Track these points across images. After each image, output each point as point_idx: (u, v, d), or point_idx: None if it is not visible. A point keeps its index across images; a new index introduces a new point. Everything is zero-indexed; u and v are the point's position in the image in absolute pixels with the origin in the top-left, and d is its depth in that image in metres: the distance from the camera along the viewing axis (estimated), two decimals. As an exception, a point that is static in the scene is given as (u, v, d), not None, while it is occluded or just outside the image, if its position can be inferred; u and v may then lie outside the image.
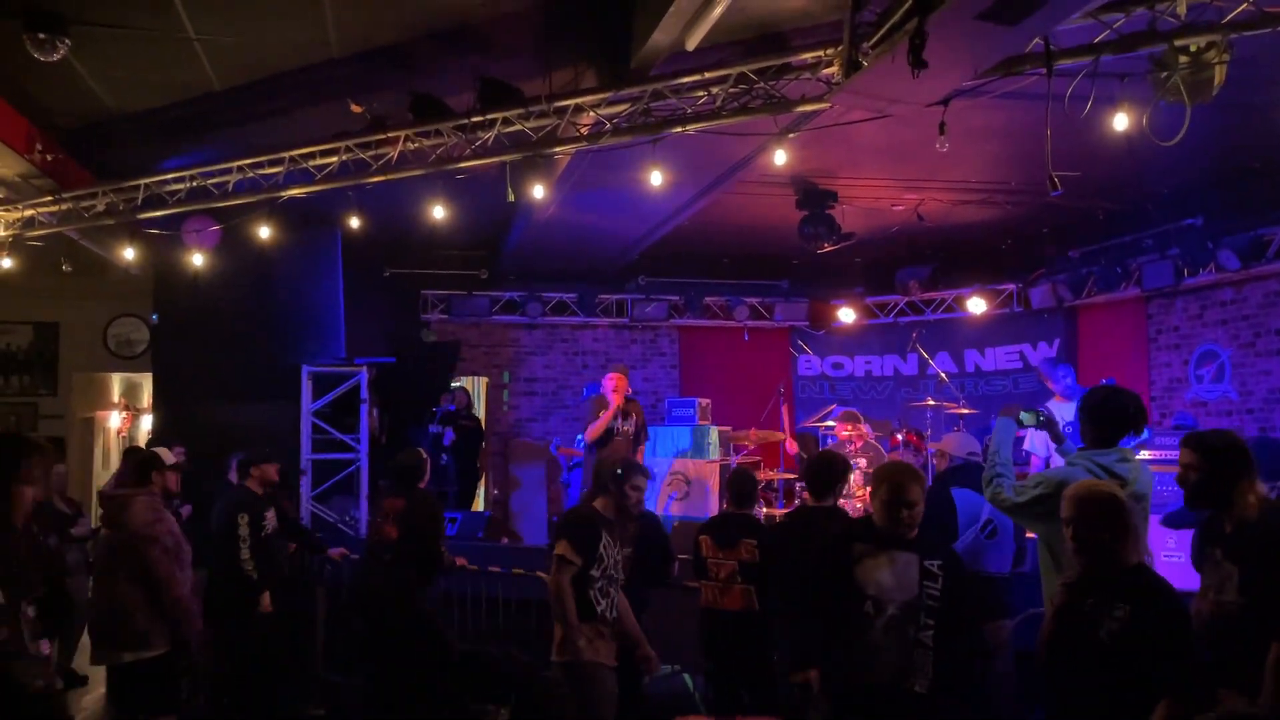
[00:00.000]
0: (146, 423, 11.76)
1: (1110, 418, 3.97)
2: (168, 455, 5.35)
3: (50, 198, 7.88)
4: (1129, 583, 3.08)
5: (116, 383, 12.80)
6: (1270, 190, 7.86)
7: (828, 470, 5.12)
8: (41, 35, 5.79)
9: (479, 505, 11.46)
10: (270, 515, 6.42)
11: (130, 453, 8.86)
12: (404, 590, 5.77)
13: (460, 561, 6.28)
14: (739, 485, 5.53)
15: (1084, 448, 4.03)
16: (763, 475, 9.28)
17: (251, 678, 6.45)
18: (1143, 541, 3.37)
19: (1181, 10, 4.86)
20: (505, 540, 10.31)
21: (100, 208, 7.82)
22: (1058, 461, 5.06)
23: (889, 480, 3.76)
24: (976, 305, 11.50)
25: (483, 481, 11.82)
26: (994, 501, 4.15)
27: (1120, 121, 5.39)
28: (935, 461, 6.03)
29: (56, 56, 5.91)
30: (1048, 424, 4.48)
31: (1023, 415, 4.39)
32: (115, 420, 12.79)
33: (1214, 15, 4.90)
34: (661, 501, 8.62)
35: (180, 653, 4.98)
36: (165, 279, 9.49)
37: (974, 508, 5.15)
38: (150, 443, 9.15)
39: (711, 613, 5.17)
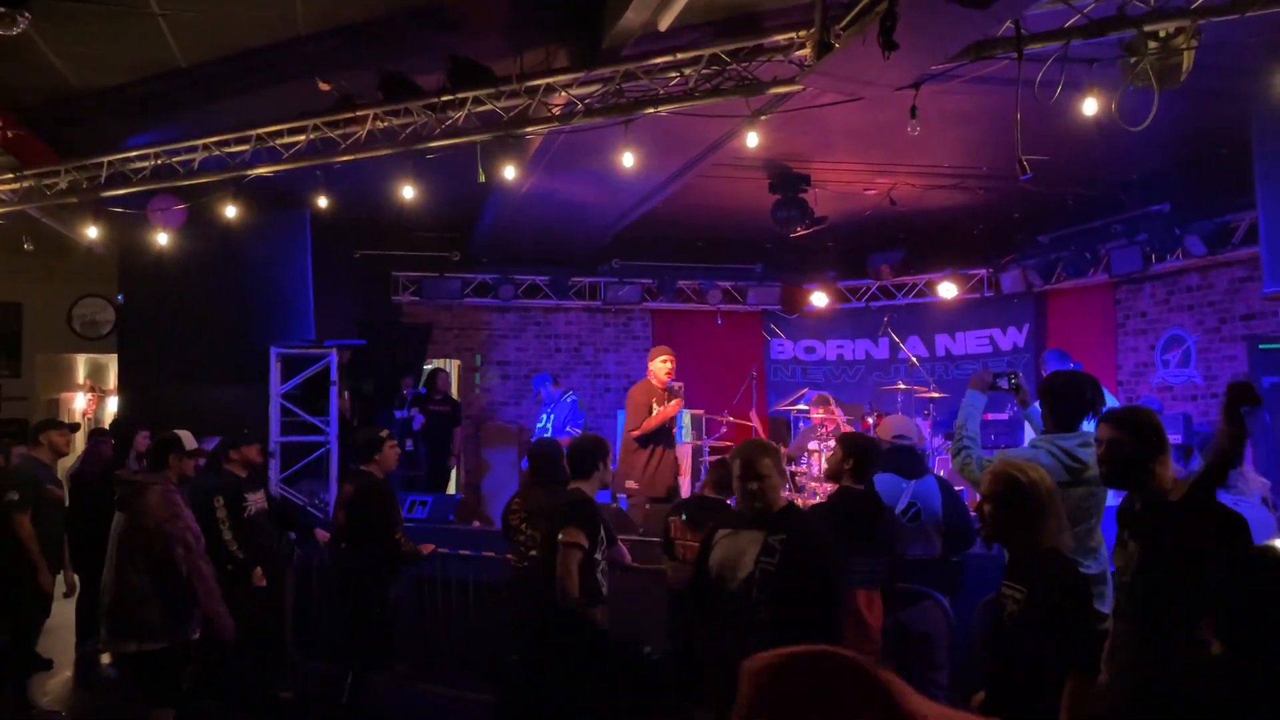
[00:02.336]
0: (113, 405, 11.62)
1: (1069, 402, 4.03)
2: (190, 440, 5.24)
3: (11, 175, 7.74)
4: (1039, 565, 3.07)
5: (82, 364, 12.64)
6: (1236, 177, 7.93)
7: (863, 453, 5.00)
8: (1, 9, 5.66)
9: (453, 489, 11.42)
10: (254, 497, 6.41)
11: (96, 434, 8.80)
12: (360, 577, 5.77)
13: (427, 548, 6.20)
14: (719, 472, 5.50)
15: (1046, 431, 4.09)
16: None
17: (225, 660, 6.42)
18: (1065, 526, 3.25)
19: (1151, -5, 4.90)
20: (476, 524, 10.28)
21: (63, 185, 7.70)
22: None
23: (739, 456, 3.82)
24: (947, 290, 11.57)
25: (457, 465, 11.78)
26: (963, 474, 4.19)
27: (1090, 106, 5.41)
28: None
29: (16, 31, 5.77)
30: (1016, 388, 4.54)
31: (995, 380, 4.44)
32: (81, 402, 12.63)
33: (1183, 1, 4.94)
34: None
35: (187, 646, 4.94)
36: (130, 259, 9.36)
37: (893, 492, 5.15)
38: (115, 425, 9.06)
39: (677, 594, 5.18)
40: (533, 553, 4.99)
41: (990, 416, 9.08)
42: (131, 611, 4.80)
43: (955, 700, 5.03)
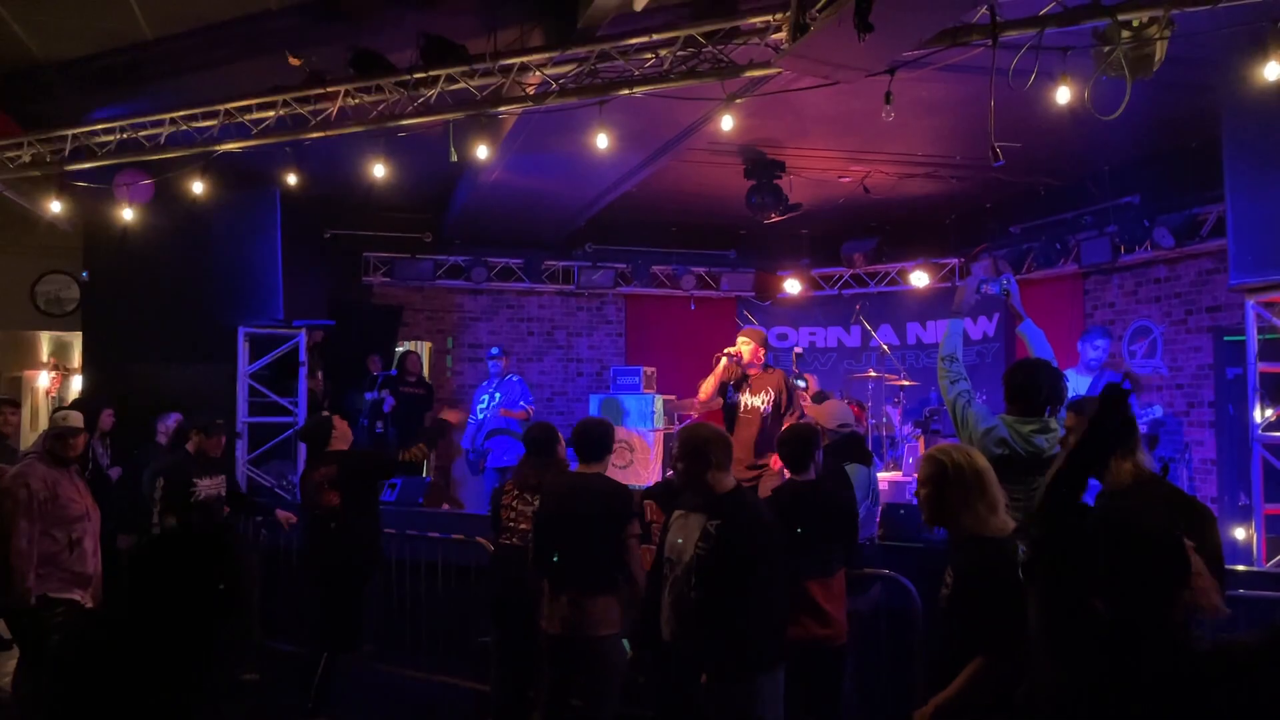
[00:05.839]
0: (77, 383, 11.45)
1: (1027, 392, 4.15)
2: (74, 419, 5.28)
3: (-28, 147, 7.57)
4: (963, 549, 3.11)
5: (45, 341, 12.44)
6: (1205, 169, 7.99)
7: (801, 443, 4.82)
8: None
9: (425, 472, 11.34)
10: (207, 481, 6.46)
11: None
12: (349, 561, 5.75)
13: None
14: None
15: (1009, 413, 4.19)
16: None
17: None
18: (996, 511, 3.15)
19: (1125, -16, 4.91)
20: (446, 506, 10.24)
21: (26, 158, 7.53)
22: None
23: (680, 437, 3.93)
24: (919, 279, 11.64)
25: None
26: (953, 407, 4.28)
27: (1062, 95, 5.43)
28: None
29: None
30: (1007, 293, 4.63)
31: (982, 287, 4.50)
32: (44, 380, 12.43)
33: (1156, -10, 4.96)
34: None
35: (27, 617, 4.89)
36: (96, 235, 9.20)
37: (863, 481, 5.27)
38: (76, 403, 8.91)
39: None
40: (522, 526, 4.96)
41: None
42: None
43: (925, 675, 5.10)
